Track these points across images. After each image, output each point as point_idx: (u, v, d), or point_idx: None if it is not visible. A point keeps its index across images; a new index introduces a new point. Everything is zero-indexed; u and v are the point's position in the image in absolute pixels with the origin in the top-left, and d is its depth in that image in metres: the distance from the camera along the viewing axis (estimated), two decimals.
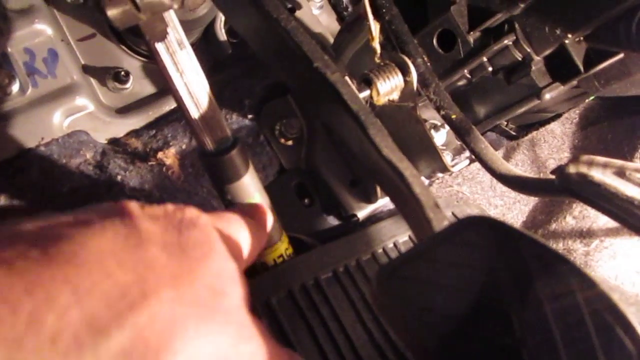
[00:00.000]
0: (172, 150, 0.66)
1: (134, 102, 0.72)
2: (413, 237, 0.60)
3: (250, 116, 0.72)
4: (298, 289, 0.51)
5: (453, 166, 0.63)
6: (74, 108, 0.66)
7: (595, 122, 1.12)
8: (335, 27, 0.85)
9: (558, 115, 0.81)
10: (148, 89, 0.74)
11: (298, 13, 0.77)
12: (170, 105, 0.73)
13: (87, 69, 0.69)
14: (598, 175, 0.42)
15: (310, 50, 0.43)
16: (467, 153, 0.71)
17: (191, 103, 0.41)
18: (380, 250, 0.57)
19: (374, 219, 0.75)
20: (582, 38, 0.56)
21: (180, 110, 0.42)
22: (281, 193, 0.72)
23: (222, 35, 0.78)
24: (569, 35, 0.55)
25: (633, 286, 1.09)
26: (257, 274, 0.52)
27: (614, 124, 1.11)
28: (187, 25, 0.67)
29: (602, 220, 1.09)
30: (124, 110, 0.71)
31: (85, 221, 0.26)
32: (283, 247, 0.53)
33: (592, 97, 0.73)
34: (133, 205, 0.29)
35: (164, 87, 0.74)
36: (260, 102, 0.74)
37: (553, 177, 0.46)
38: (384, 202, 0.74)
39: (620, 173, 0.42)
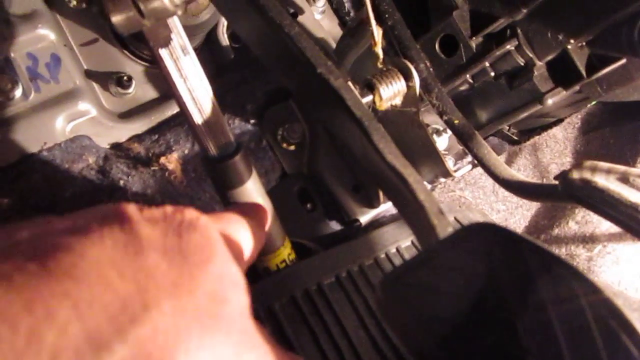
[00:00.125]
0: (174, 155, 0.66)
1: (137, 107, 0.72)
2: (416, 243, 0.60)
3: (252, 121, 0.72)
4: (301, 295, 0.51)
5: (455, 171, 0.63)
6: (76, 113, 0.66)
7: (598, 127, 1.12)
8: (338, 32, 0.85)
9: (560, 120, 0.80)
10: (150, 93, 0.74)
11: (300, 18, 0.77)
12: (172, 110, 0.73)
13: (89, 74, 0.69)
14: (601, 181, 0.42)
15: (313, 56, 0.43)
16: (469, 158, 0.71)
17: (194, 108, 0.41)
18: (382, 256, 0.57)
19: (376, 224, 0.75)
20: (584, 43, 0.57)
21: (183, 116, 0.42)
22: (283, 198, 0.72)
23: (224, 40, 0.78)
24: (572, 41, 0.55)
25: (637, 292, 1.09)
26: (260, 279, 0.52)
27: (616, 129, 1.11)
28: (189, 31, 0.67)
29: (605, 226, 1.09)
30: (127, 115, 0.71)
31: (83, 228, 0.25)
32: (286, 253, 0.53)
33: (594, 102, 0.73)
34: (132, 209, 0.28)
35: (167, 92, 0.74)
36: (262, 107, 0.74)
37: (556, 182, 0.46)
38: (386, 207, 0.74)
39: (624, 179, 0.42)
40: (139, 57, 0.72)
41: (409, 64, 0.51)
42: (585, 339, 0.26)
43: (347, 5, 0.87)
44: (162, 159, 0.65)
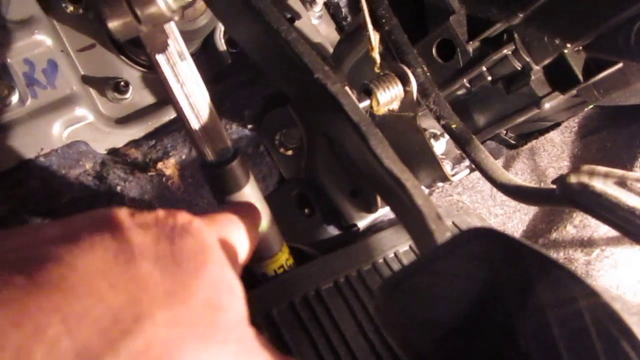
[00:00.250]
0: (172, 161, 0.66)
1: (134, 113, 0.72)
2: (414, 247, 0.60)
3: (250, 126, 0.72)
4: (299, 300, 0.51)
5: (453, 175, 0.63)
6: (73, 118, 0.66)
7: (595, 131, 1.13)
8: (335, 37, 0.85)
9: (557, 124, 0.81)
10: (148, 99, 0.74)
11: (297, 23, 0.77)
12: (169, 115, 0.73)
13: (86, 80, 0.69)
14: (599, 185, 0.42)
15: (310, 61, 0.43)
16: (467, 162, 0.71)
17: (192, 114, 0.41)
18: (381, 260, 0.57)
19: (374, 228, 0.75)
20: (581, 48, 0.57)
21: (181, 121, 0.42)
22: (281, 203, 0.72)
23: (221, 45, 0.78)
24: (568, 45, 0.56)
25: (635, 295, 1.09)
26: (257, 285, 0.51)
27: (613, 133, 1.11)
28: (187, 36, 0.67)
29: (603, 230, 1.09)
30: (124, 121, 0.71)
31: (73, 236, 0.25)
32: (284, 258, 0.53)
33: (591, 106, 0.73)
34: (123, 214, 0.27)
35: (164, 97, 0.74)
36: (260, 112, 0.74)
37: (554, 186, 0.46)
38: (384, 212, 0.74)
39: (622, 183, 0.42)
40: (136, 62, 0.72)
41: (406, 68, 0.51)
42: (584, 343, 0.26)
43: (344, 10, 0.87)
44: (160, 165, 0.65)
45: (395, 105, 0.52)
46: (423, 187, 0.52)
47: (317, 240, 0.72)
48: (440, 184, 0.64)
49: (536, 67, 0.58)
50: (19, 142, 0.62)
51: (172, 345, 0.24)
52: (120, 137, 0.70)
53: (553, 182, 0.46)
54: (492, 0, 0.57)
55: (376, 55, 0.53)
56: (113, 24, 0.34)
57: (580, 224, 1.08)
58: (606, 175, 0.42)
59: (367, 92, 0.50)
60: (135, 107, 0.72)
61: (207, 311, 0.26)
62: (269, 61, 0.51)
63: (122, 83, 0.69)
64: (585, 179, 0.42)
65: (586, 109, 0.80)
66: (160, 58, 0.38)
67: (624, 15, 0.51)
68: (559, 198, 0.45)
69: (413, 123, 0.53)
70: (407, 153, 0.55)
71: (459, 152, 0.70)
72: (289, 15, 0.77)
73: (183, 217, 0.29)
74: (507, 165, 1.09)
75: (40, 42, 0.65)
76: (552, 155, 1.11)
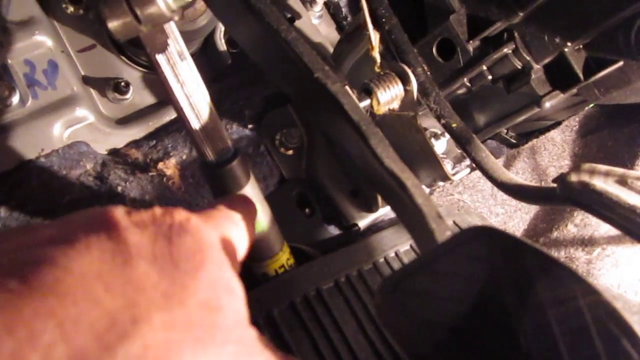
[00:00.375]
0: (172, 161, 0.66)
1: (134, 113, 0.72)
2: (414, 247, 0.60)
3: (250, 126, 0.72)
4: (300, 300, 0.51)
5: (454, 175, 0.63)
6: (74, 119, 0.66)
7: (596, 130, 1.12)
8: (335, 36, 0.85)
9: (558, 123, 0.81)
10: (148, 99, 0.74)
11: (297, 23, 0.77)
12: (170, 115, 0.73)
13: (87, 80, 0.69)
14: (600, 183, 0.42)
15: (310, 61, 0.43)
16: (467, 161, 0.71)
17: (192, 114, 0.41)
18: (381, 260, 0.57)
19: (375, 228, 0.75)
20: (581, 46, 0.57)
21: (181, 121, 0.42)
22: (282, 203, 0.72)
23: (222, 45, 0.78)
24: (569, 44, 0.55)
25: (636, 295, 1.09)
26: (258, 285, 0.51)
27: (614, 131, 1.11)
28: (187, 36, 0.68)
29: (604, 228, 1.09)
30: (124, 121, 0.71)
31: (69, 237, 0.24)
32: (284, 258, 0.53)
33: (591, 105, 0.73)
34: (119, 213, 0.27)
35: (164, 97, 0.74)
36: (260, 112, 0.74)
37: (554, 185, 0.46)
38: (384, 212, 0.74)
39: (622, 181, 0.42)
40: (137, 62, 0.72)
41: (406, 68, 0.51)
42: (585, 341, 0.26)
43: (344, 10, 0.87)
44: (160, 165, 0.65)
45: (395, 105, 0.52)
46: (423, 187, 0.52)
47: (318, 240, 0.72)
48: (440, 183, 0.64)
49: (536, 66, 0.58)
50: (19, 143, 0.62)
51: (170, 348, 0.23)
52: (121, 138, 0.70)
53: (554, 181, 0.46)
54: None
55: (376, 54, 0.53)
56: (113, 24, 0.34)
57: (581, 222, 1.08)
58: (607, 174, 0.42)
59: (367, 92, 0.50)
60: (135, 108, 0.72)
61: (206, 312, 0.26)
62: (269, 61, 0.51)
63: (122, 83, 0.69)
64: (586, 178, 0.42)
65: (586, 108, 0.80)
66: (160, 58, 0.38)
67: (624, 13, 0.51)
68: (560, 197, 0.45)
69: (413, 122, 0.53)
70: (408, 152, 0.55)
71: (459, 151, 0.70)
72: (289, 15, 0.77)
73: (180, 214, 0.29)
74: (507, 165, 1.09)
75: (40, 42, 0.65)
76: (552, 154, 1.11)
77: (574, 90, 0.58)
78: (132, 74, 0.72)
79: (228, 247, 0.33)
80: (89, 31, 0.70)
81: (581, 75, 0.57)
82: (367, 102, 0.50)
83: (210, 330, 0.26)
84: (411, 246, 0.60)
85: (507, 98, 0.63)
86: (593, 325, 0.26)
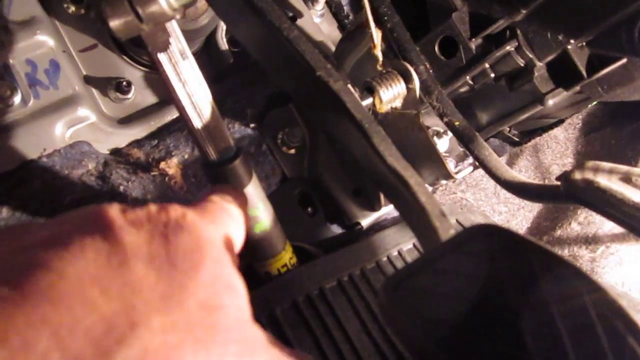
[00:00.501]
0: (174, 160, 0.66)
1: (136, 112, 0.72)
2: (418, 245, 0.60)
3: (252, 125, 0.72)
4: (303, 299, 0.51)
5: (457, 173, 0.63)
6: (75, 119, 0.66)
7: (599, 127, 1.12)
8: (337, 35, 0.85)
9: (561, 121, 0.80)
10: (150, 99, 0.74)
11: (299, 21, 0.77)
12: (172, 115, 0.73)
13: (88, 80, 0.69)
14: (604, 181, 0.41)
15: (312, 59, 0.43)
16: (470, 160, 0.71)
17: (194, 113, 0.40)
18: (384, 259, 0.57)
19: (377, 227, 0.75)
20: (584, 44, 0.56)
21: (183, 121, 0.41)
22: (284, 202, 0.72)
23: (223, 44, 0.78)
24: (572, 41, 0.55)
25: None
26: (261, 284, 0.51)
27: (617, 129, 1.11)
28: (188, 35, 0.67)
29: (608, 226, 1.08)
30: (126, 121, 0.71)
31: (63, 239, 0.23)
32: (287, 257, 0.53)
33: (594, 103, 0.72)
34: (114, 211, 0.26)
35: (166, 97, 0.74)
36: (262, 111, 0.73)
37: (558, 183, 0.46)
38: (387, 210, 0.74)
39: (626, 179, 0.42)
40: (138, 62, 0.72)
41: (408, 66, 0.51)
42: (590, 338, 0.26)
43: (346, 8, 0.87)
44: (162, 164, 0.65)
45: (398, 103, 0.52)
46: (426, 185, 0.51)
47: (320, 239, 0.72)
48: (443, 182, 0.64)
49: (539, 64, 0.58)
50: (21, 143, 0.62)
51: (170, 352, 0.23)
52: (123, 137, 0.70)
53: (557, 178, 0.46)
54: None
55: (378, 53, 0.53)
56: (114, 23, 0.34)
57: (585, 220, 1.08)
58: (611, 172, 0.42)
59: (369, 90, 0.50)
60: (137, 107, 0.72)
61: (206, 312, 0.25)
62: (271, 60, 0.51)
63: (124, 83, 0.69)
64: (589, 176, 0.42)
65: (590, 106, 0.80)
66: (162, 57, 0.38)
67: (627, 10, 0.50)
68: (564, 195, 0.45)
69: (416, 121, 0.53)
70: (410, 151, 0.55)
71: (462, 149, 0.70)
72: (290, 14, 0.76)
73: (176, 210, 0.28)
74: (510, 163, 1.09)
75: (42, 42, 0.65)
76: (556, 152, 1.11)
77: (577, 88, 0.58)
78: (133, 73, 0.72)
79: (226, 242, 0.32)
80: (91, 31, 0.70)
81: (584, 73, 0.57)
82: (369, 100, 0.50)
83: (211, 331, 0.25)
84: (414, 245, 0.59)
85: (510, 96, 0.63)
86: (598, 323, 0.26)
